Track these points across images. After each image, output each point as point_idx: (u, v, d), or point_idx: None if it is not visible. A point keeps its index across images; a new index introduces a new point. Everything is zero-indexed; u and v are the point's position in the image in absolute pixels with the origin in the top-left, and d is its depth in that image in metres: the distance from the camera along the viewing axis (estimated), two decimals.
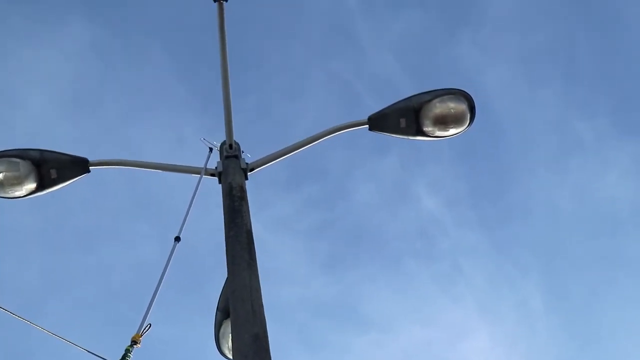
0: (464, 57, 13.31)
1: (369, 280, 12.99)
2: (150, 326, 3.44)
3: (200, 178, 4.10)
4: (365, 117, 4.32)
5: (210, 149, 4.38)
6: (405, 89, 12.54)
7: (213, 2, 3.82)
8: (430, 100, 4.16)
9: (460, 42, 13.43)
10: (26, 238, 11.24)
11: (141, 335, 3.42)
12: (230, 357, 4.00)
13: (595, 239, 13.17)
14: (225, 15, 3.87)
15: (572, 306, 13.32)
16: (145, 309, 3.50)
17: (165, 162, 4.21)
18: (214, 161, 4.03)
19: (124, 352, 3.36)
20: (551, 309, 13.31)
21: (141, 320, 3.44)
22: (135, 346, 3.39)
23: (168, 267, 3.70)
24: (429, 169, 13.02)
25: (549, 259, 13.35)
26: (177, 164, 4.26)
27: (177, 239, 3.90)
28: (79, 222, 11.15)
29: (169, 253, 3.82)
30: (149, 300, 3.57)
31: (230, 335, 3.69)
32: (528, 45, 13.59)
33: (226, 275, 3.40)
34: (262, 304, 3.05)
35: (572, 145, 13.41)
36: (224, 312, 3.81)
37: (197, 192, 4.20)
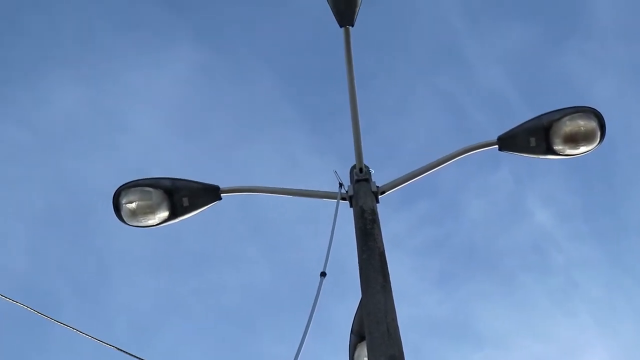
0: (572, 69, 12.86)
1: (482, 296, 12.72)
2: None
3: (337, 205, 4.01)
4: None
5: (341, 184, 4.29)
6: (514, 103, 12.27)
7: (339, 27, 3.85)
8: (560, 119, 4.14)
9: (568, 54, 12.99)
10: (137, 262, 11.69)
11: None
12: None
13: None
14: (351, 40, 3.87)
15: None
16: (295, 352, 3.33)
17: (295, 188, 4.29)
18: (345, 184, 4.09)
19: None
20: None
21: None
22: None
23: (317, 305, 3.54)
24: (540, 183, 12.65)
25: None
26: (305, 188, 4.31)
27: (323, 274, 3.75)
28: (190, 246, 11.48)
29: (316, 289, 3.65)
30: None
31: (365, 358, 3.74)
32: (638, 54, 12.99)
33: (359, 298, 3.44)
34: (397, 326, 3.05)
35: None
36: (358, 335, 3.85)
37: (335, 224, 4.05)
